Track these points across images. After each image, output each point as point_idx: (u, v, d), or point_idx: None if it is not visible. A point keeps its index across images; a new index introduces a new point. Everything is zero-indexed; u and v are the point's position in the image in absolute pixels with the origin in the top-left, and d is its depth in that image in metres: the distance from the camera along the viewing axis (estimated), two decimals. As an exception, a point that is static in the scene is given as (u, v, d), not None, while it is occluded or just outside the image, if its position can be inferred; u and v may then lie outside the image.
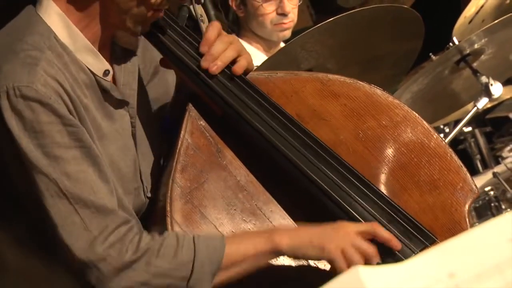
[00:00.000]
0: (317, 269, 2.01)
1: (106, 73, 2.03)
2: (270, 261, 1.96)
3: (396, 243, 1.94)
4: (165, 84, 2.28)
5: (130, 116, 2.09)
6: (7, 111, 1.86)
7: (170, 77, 2.28)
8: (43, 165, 1.86)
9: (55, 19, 1.97)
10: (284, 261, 1.99)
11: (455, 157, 2.16)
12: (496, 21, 2.99)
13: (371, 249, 1.92)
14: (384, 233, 1.95)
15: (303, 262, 2.00)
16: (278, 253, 1.93)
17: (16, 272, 2.04)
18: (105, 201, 1.91)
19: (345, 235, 1.92)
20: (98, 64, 2.02)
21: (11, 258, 2.03)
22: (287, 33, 3.55)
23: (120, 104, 2.08)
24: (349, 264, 1.90)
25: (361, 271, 1.02)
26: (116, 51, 2.11)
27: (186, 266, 1.88)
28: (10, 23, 2.01)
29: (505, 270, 1.03)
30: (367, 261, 1.92)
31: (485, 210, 3.06)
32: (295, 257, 1.95)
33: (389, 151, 2.14)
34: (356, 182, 2.02)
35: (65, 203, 1.87)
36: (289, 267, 2.00)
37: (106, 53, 2.07)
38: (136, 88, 2.14)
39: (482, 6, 3.56)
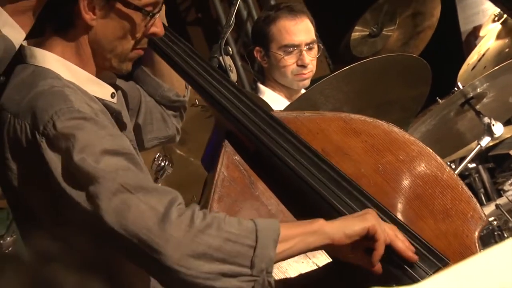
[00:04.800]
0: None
1: (112, 95, 2.04)
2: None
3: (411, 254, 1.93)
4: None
5: (130, 140, 2.07)
6: (56, 138, 1.81)
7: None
8: (97, 167, 1.78)
9: (55, 64, 1.95)
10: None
11: (466, 188, 2.15)
12: (496, 68, 2.99)
13: (391, 232, 1.90)
14: (400, 236, 1.93)
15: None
16: (323, 233, 1.85)
17: None
18: (160, 186, 1.88)
19: (375, 217, 1.90)
20: (104, 89, 2.02)
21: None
22: (307, 83, 3.55)
23: (123, 127, 2.07)
24: (385, 233, 1.88)
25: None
26: None
27: (251, 233, 1.79)
28: (12, 84, 1.96)
29: (511, 290, 1.01)
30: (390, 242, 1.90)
31: (489, 238, 3.04)
32: (340, 236, 1.86)
33: (406, 183, 2.12)
34: (378, 212, 2.00)
35: (127, 195, 1.77)
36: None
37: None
38: (128, 116, 2.15)
39: (483, 54, 3.57)
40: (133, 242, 1.77)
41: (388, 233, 1.90)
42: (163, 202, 1.78)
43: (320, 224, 1.86)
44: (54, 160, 1.82)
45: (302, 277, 1.97)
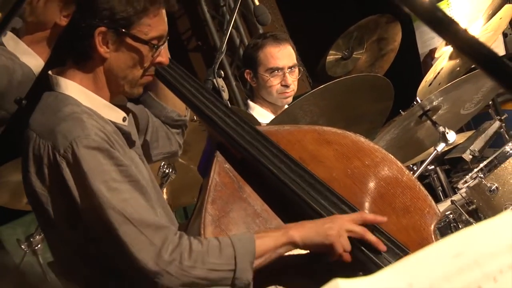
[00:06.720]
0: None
1: (124, 119, 2.03)
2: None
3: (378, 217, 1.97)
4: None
5: (138, 154, 2.09)
6: (74, 162, 1.84)
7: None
8: (108, 198, 1.83)
9: (75, 91, 1.96)
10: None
11: (423, 188, 2.14)
12: (449, 84, 2.98)
13: (360, 228, 1.93)
14: (369, 217, 1.97)
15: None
16: (293, 244, 1.91)
17: None
18: (158, 219, 1.89)
19: (341, 222, 1.92)
20: (116, 114, 2.01)
21: None
22: (289, 100, 3.53)
23: (132, 144, 2.07)
24: (343, 247, 1.91)
25: (341, 283, 0.97)
26: None
27: (231, 259, 1.86)
28: (38, 108, 1.97)
29: (453, 281, 0.99)
30: (361, 238, 1.93)
31: (446, 229, 3.03)
32: (305, 245, 1.92)
33: (371, 185, 2.11)
34: (346, 209, 2.01)
35: (131, 227, 1.84)
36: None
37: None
38: (137, 134, 2.15)
39: (438, 73, 3.56)
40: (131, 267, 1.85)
41: (356, 232, 1.93)
42: (159, 236, 1.85)
43: (289, 236, 1.91)
44: (72, 180, 1.85)
45: (281, 260, 1.96)
